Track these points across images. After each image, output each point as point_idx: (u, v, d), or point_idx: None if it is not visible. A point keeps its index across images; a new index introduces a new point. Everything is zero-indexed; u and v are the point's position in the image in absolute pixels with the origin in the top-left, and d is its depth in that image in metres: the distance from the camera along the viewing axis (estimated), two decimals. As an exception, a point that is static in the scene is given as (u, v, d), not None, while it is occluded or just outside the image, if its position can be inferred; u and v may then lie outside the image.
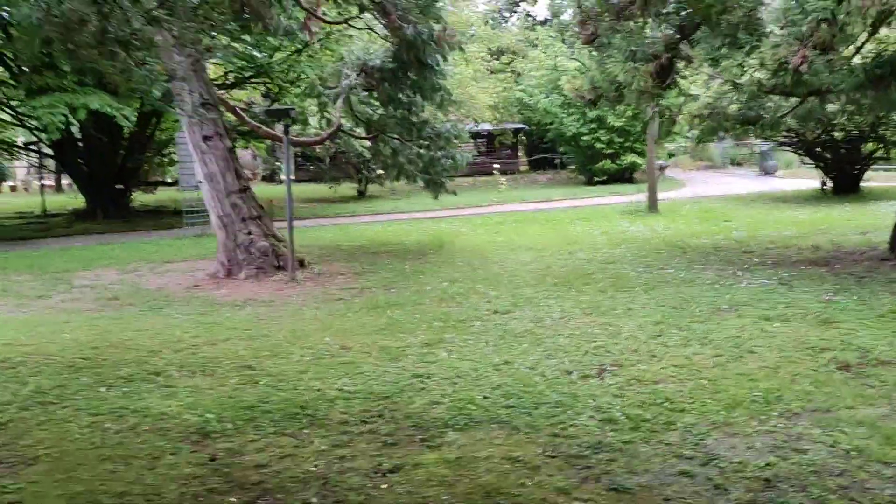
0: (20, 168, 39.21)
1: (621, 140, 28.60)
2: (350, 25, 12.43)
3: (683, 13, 8.86)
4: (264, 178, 43.07)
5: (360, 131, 15.22)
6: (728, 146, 38.22)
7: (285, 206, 11.00)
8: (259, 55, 20.92)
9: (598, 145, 28.82)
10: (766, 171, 31.69)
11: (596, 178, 29.90)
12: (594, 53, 12.70)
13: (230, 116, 13.91)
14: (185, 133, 11.05)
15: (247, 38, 18.71)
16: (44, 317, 8.96)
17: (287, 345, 7.27)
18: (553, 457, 4.60)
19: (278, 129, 11.95)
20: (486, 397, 5.67)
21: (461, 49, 12.94)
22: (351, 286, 10.24)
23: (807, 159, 22.08)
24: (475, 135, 39.28)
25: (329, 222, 20.01)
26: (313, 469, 4.52)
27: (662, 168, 32.77)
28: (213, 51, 19.80)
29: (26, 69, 19.06)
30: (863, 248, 11.64)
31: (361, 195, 27.98)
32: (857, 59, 9.85)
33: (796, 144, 21.17)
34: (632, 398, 5.58)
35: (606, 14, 12.18)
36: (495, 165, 32.24)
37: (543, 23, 28.28)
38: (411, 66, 12.66)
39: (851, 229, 13.79)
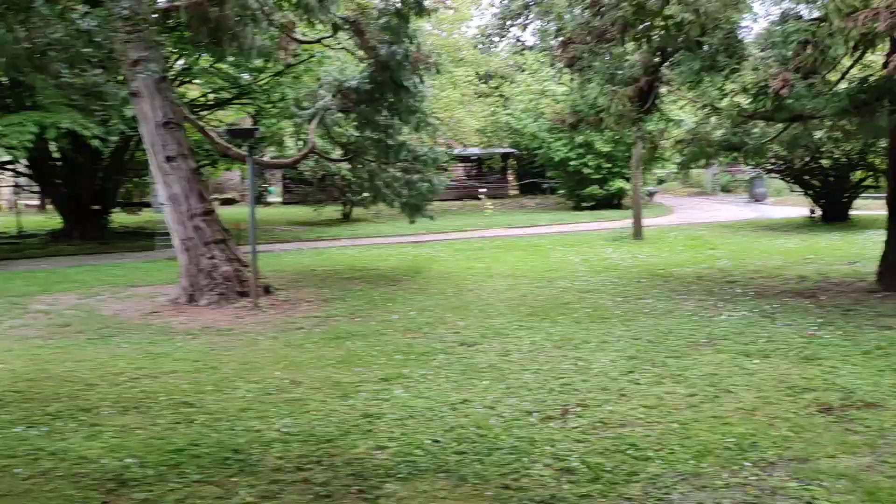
0: (6, 187, 38.80)
1: (609, 165, 28.29)
2: (325, 45, 12.07)
3: (657, 35, 8.49)
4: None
5: (338, 153, 14.86)
6: (718, 173, 38.08)
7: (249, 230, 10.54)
8: (243, 76, 20.61)
9: (586, 170, 28.50)
10: (756, 199, 31.42)
11: (584, 204, 29.55)
12: (575, 77, 12.42)
13: (199, 136, 13.52)
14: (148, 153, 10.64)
15: (230, 59, 18.46)
16: (-13, 344, 8.49)
17: (234, 379, 6.81)
18: (499, 514, 4.16)
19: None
20: (436, 441, 5.22)
21: (438, 70, 12.59)
22: (315, 314, 9.79)
23: (795, 187, 21.76)
24: (464, 158, 39.07)
25: (309, 246, 19.55)
26: (230, 526, 4.07)
27: (651, 194, 32.51)
28: (192, 70, 19.53)
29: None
30: (850, 279, 11.27)
31: (346, 218, 27.54)
32: (842, 85, 9.55)
33: (784, 171, 20.88)
34: (594, 444, 5.14)
35: (588, 37, 11.89)
36: (481, 190, 31.88)
37: (531, 48, 28.08)
38: (387, 88, 12.32)
39: (839, 259, 13.42)
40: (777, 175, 22.09)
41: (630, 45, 11.06)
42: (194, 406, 6.05)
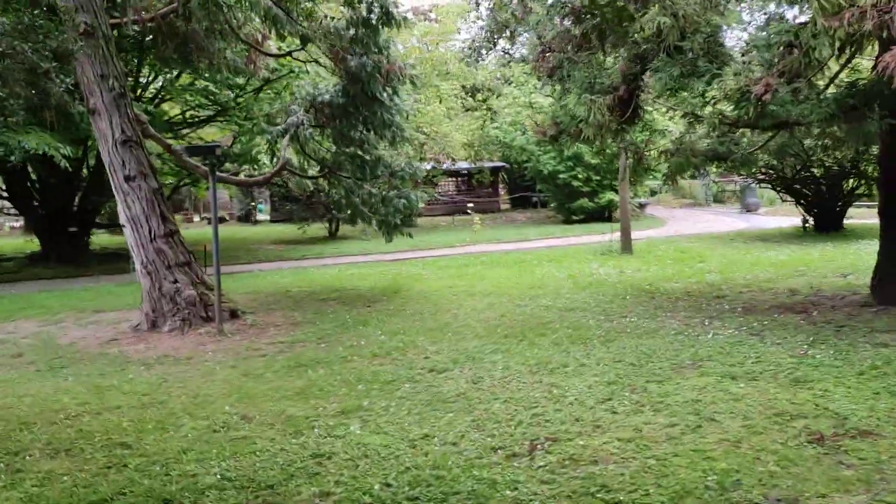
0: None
1: (598, 178, 27.91)
2: (295, 59, 11.65)
3: (637, 38, 8.07)
4: (239, 219, 42.24)
5: (315, 170, 14.41)
6: (710, 183, 37.71)
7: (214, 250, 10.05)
8: (223, 93, 20.21)
9: (576, 183, 28.11)
10: (748, 209, 31.05)
11: (574, 217, 29.15)
12: (557, 88, 12.02)
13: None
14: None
15: (210, 76, 18.06)
16: (-71, 379, 7.99)
17: (181, 415, 6.31)
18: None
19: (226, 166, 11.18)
20: (388, 485, 4.73)
21: (413, 83, 12.17)
22: (281, 339, 9.30)
23: (787, 196, 21.34)
24: (453, 173, 38.68)
25: (291, 265, 19.11)
26: None
27: (643, 206, 32.11)
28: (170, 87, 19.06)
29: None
30: (843, 292, 10.80)
31: (332, 236, 27.11)
32: (831, 90, 9.13)
33: (775, 181, 20.47)
34: (562, 485, 4.66)
35: (569, 45, 11.49)
36: (469, 204, 31.48)
37: (519, 60, 27.76)
38: (360, 101, 11.90)
39: (832, 270, 12.97)
40: (768, 185, 21.67)
41: (609, 54, 10.71)
42: (131, 448, 5.56)
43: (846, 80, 9.61)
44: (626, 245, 17.60)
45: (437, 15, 30.47)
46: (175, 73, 20.39)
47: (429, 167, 31.81)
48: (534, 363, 7.63)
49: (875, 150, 12.45)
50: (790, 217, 22.81)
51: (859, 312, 9.33)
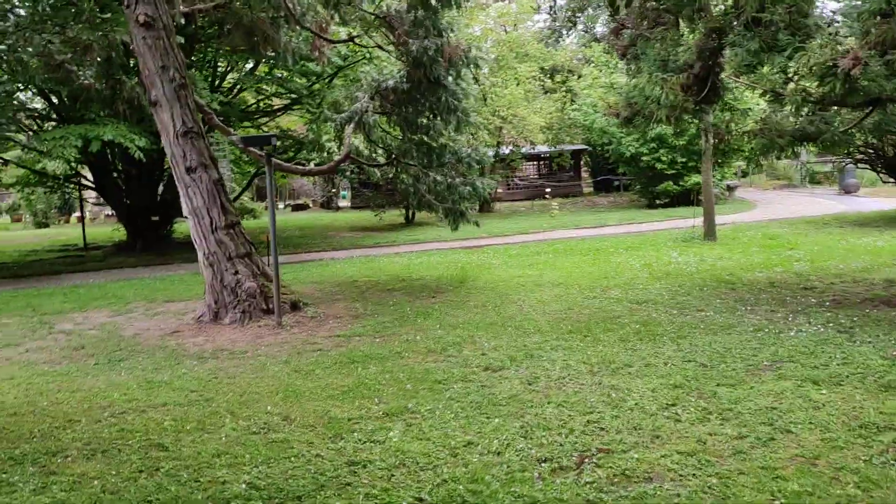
0: (91, 200, 39.94)
1: (684, 160, 26.79)
2: (357, 44, 11.40)
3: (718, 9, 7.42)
4: (322, 206, 42.73)
5: (382, 157, 14.20)
6: (807, 163, 35.82)
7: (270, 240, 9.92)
8: (296, 81, 20.27)
9: (660, 166, 27.10)
10: (847, 190, 29.34)
11: (658, 201, 28.15)
12: (632, 67, 11.41)
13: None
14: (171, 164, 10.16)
15: (281, 65, 18.11)
16: (-6, 371, 8.13)
17: (224, 414, 6.15)
18: None
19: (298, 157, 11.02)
20: (420, 500, 4.41)
21: (477, 66, 11.72)
22: (339, 333, 9.10)
23: (889, 177, 19.93)
24: (533, 157, 37.99)
25: (364, 253, 19.02)
26: None
27: (731, 189, 30.77)
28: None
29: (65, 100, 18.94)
30: (947, 284, 9.87)
31: (408, 222, 26.98)
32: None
33: (875, 160, 19.12)
34: (609, 506, 4.23)
35: (644, 22, 10.87)
36: (548, 189, 30.79)
37: (599, 40, 26.89)
38: (424, 86, 11.56)
39: (936, 258, 11.93)
40: (867, 165, 20.27)
41: (684, 30, 10.04)
42: (167, 450, 5.41)
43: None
44: (710, 231, 16.72)
45: (515, -4, 29.82)
46: (251, 63, 20.58)
47: (507, 151, 31.31)
48: (595, 362, 7.16)
49: None
50: (893, 199, 21.32)
51: (965, 307, 8.46)
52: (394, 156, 13.25)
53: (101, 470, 5.10)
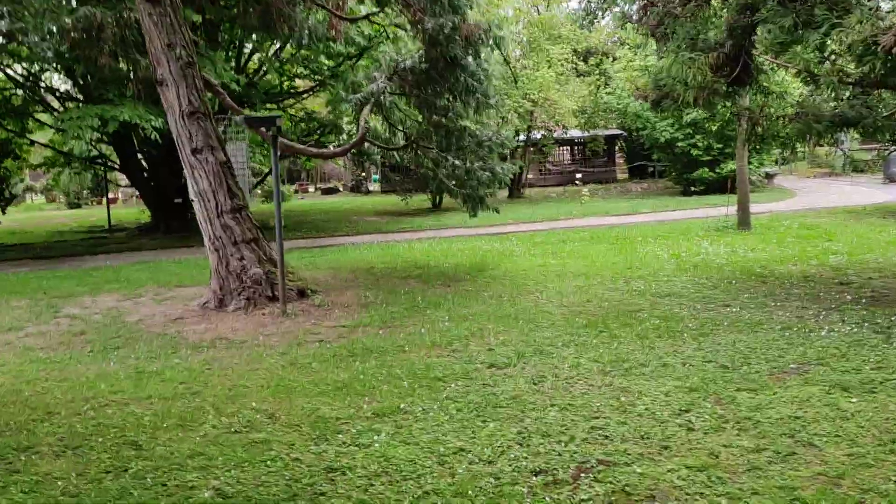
0: (123, 182, 40.20)
1: (720, 146, 25.95)
2: (372, 21, 10.98)
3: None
4: (352, 190, 42.51)
5: (402, 140, 13.79)
6: (850, 150, 34.57)
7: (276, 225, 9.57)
8: (321, 63, 19.92)
9: (695, 152, 26.30)
10: (891, 179, 28.23)
11: (693, 188, 27.35)
12: (660, 47, 10.82)
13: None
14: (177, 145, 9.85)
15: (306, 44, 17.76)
16: (-13, 357, 7.92)
17: (207, 410, 5.82)
18: None
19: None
20: (396, 516, 4.02)
21: (498, 46, 11.22)
22: (344, 323, 8.73)
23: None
24: (566, 142, 37.28)
25: (387, 238, 18.66)
26: None
27: (770, 176, 29.84)
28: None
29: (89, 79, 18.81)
30: None
31: (435, 207, 26.56)
32: None
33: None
34: (603, 529, 3.80)
35: (673, -1, 10.27)
36: (578, 175, 30.13)
37: (629, 20, 26.10)
38: (443, 67, 11.11)
39: (985, 253, 11.21)
40: (913, 153, 19.34)
41: (716, 5, 9.43)
42: (140, 448, 5.09)
43: None
44: (744, 220, 16.05)
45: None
46: (278, 44, 20.27)
47: (539, 136, 30.70)
48: (608, 360, 6.70)
49: None
50: (939, 189, 20.41)
51: None
52: (413, 139, 12.84)
53: (67, 469, 4.79)
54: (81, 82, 20.00)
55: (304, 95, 22.58)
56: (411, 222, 22.43)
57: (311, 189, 46.50)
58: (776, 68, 8.57)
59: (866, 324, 7.50)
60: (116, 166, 23.08)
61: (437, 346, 7.45)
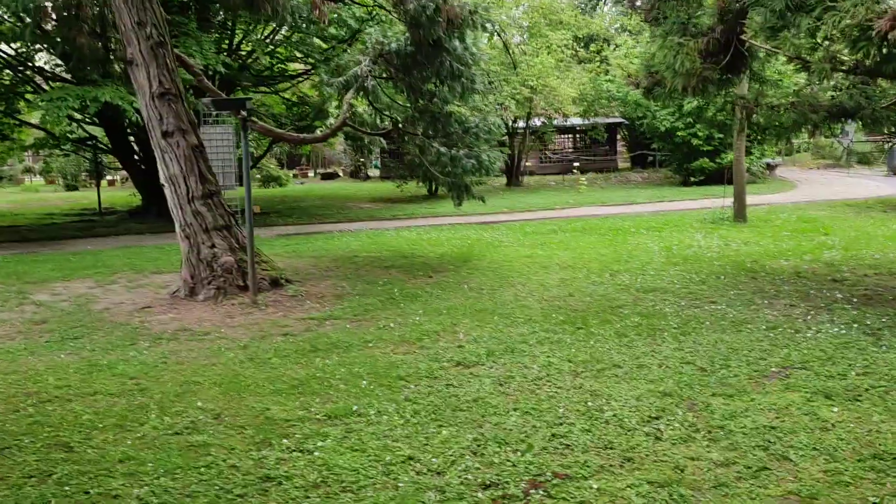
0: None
1: (721, 136, 25.51)
2: (355, 2, 10.58)
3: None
4: (351, 175, 42.14)
5: (388, 126, 13.42)
6: (854, 141, 34.01)
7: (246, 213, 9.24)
8: (312, 44, 19.52)
9: (695, 141, 25.88)
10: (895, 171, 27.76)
11: (692, 178, 26.94)
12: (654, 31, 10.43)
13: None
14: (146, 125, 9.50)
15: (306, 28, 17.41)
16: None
17: (152, 409, 5.50)
18: None
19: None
20: (326, 534, 3.70)
21: (484, 28, 10.84)
22: (314, 315, 8.41)
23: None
24: (567, 130, 36.81)
25: (378, 225, 18.31)
26: None
27: (772, 167, 29.41)
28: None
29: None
30: None
31: (431, 194, 26.18)
32: None
33: (925, 141, 17.76)
34: (549, 553, 3.48)
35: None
36: (575, 163, 29.70)
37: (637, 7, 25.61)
38: (427, 50, 10.74)
39: None
40: (916, 145, 18.93)
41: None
42: (71, 451, 4.78)
43: None
44: (740, 212, 15.68)
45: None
46: (272, 26, 19.87)
47: (538, 123, 30.26)
48: (582, 360, 6.37)
49: None
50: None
51: None
52: (400, 125, 12.48)
53: (-13, 473, 4.49)
54: (65, 63, 19.65)
55: (299, 79, 22.20)
56: (404, 209, 22.08)
57: (311, 174, 46.16)
58: (771, 55, 8.17)
59: (856, 325, 7.15)
60: (108, 149, 22.74)
61: (406, 342, 7.13)
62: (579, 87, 27.61)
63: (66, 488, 4.26)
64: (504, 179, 30.62)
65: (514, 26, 28.32)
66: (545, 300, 8.81)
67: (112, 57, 12.69)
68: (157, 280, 11.06)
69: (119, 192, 35.20)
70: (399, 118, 12.49)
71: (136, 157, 21.90)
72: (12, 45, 17.83)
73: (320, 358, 6.66)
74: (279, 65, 20.30)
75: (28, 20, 12.76)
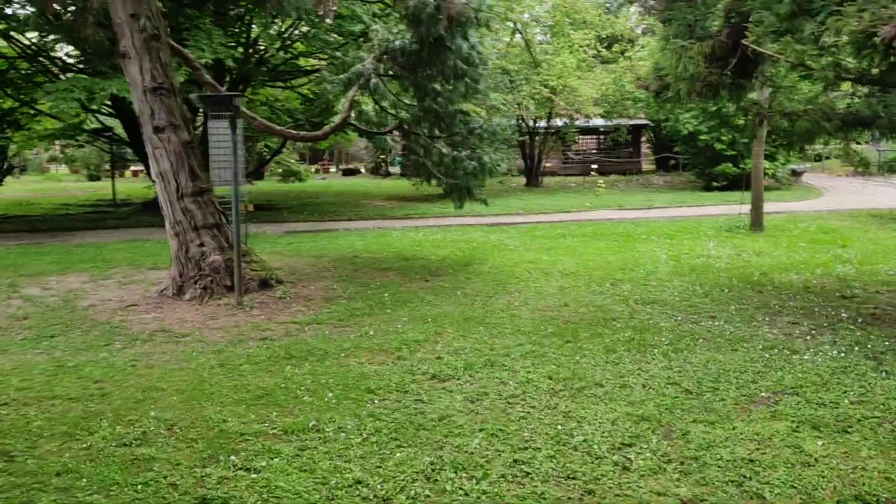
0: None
1: (746, 140, 24.88)
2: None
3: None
4: (372, 171, 41.98)
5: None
6: (887, 149, 33.17)
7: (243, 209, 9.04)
8: (328, 39, 19.32)
9: (719, 146, 25.32)
10: (926, 181, 26.97)
11: (715, 184, 26.37)
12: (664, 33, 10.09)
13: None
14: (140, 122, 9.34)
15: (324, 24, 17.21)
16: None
17: (107, 416, 5.31)
18: None
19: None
20: (249, 566, 3.46)
21: (487, 26, 10.54)
22: (298, 318, 8.19)
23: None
24: (591, 131, 36.31)
25: (387, 224, 18.09)
26: None
27: (797, 174, 28.76)
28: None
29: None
30: None
31: (447, 194, 25.84)
32: None
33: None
34: None
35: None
36: (594, 165, 29.25)
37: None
38: (430, 48, 10.46)
39: None
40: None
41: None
42: (12, 461, 4.60)
43: None
44: (756, 220, 15.23)
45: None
46: (289, 21, 19.70)
47: (560, 124, 29.84)
48: (563, 377, 6.08)
49: None
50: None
51: None
52: (405, 124, 12.21)
53: (-82, 485, 4.31)
54: (82, 54, 19.65)
55: (314, 75, 22.01)
56: (417, 208, 21.83)
57: (333, 169, 46.12)
58: (776, 61, 7.80)
59: (857, 347, 6.77)
60: (126, 141, 22.75)
61: (383, 352, 6.88)
62: (601, 88, 27.14)
63: (-5, 503, 4.07)
64: (523, 180, 30.27)
65: (537, 24, 27.93)
66: (538, 310, 8.52)
67: (114, 49, 12.52)
68: (151, 276, 10.93)
69: (141, 183, 35.37)
70: (406, 117, 12.23)
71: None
72: (27, 35, 17.84)
73: (291, 366, 6.43)
74: (293, 60, 20.14)
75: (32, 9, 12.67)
